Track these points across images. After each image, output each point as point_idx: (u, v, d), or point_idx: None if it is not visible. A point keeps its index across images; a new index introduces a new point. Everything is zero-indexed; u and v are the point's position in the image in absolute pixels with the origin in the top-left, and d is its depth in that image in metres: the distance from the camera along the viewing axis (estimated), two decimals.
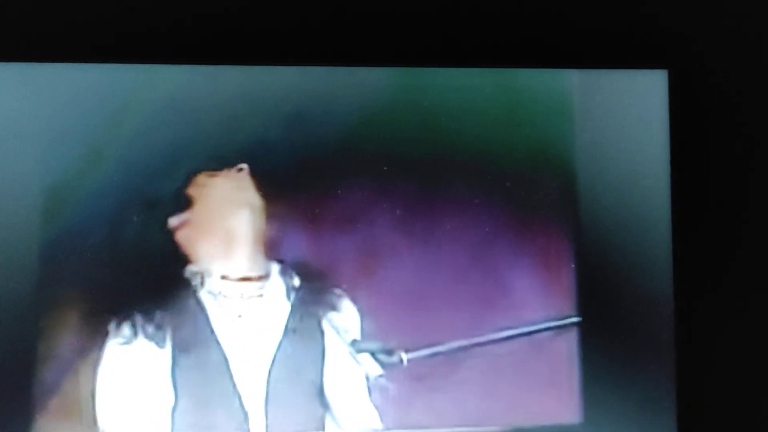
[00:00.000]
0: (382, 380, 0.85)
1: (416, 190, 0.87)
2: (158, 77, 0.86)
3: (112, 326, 0.84)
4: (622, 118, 0.89)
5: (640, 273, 0.88)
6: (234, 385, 0.84)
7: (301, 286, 0.86)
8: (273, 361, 0.85)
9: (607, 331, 0.87)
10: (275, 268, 0.86)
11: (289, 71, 0.87)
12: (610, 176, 0.89)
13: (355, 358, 0.85)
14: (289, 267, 0.86)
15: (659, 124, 0.89)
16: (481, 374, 0.86)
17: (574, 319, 0.87)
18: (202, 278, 0.85)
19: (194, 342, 0.84)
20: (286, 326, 0.86)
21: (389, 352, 0.85)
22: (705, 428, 0.90)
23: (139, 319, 0.84)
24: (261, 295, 0.86)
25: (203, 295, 0.85)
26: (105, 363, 0.83)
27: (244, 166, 0.87)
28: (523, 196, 0.88)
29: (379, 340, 0.86)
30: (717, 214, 0.92)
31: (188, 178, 0.86)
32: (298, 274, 0.86)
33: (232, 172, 0.87)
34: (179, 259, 0.85)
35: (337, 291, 0.86)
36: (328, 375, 0.85)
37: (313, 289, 0.86)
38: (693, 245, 0.90)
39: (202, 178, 0.86)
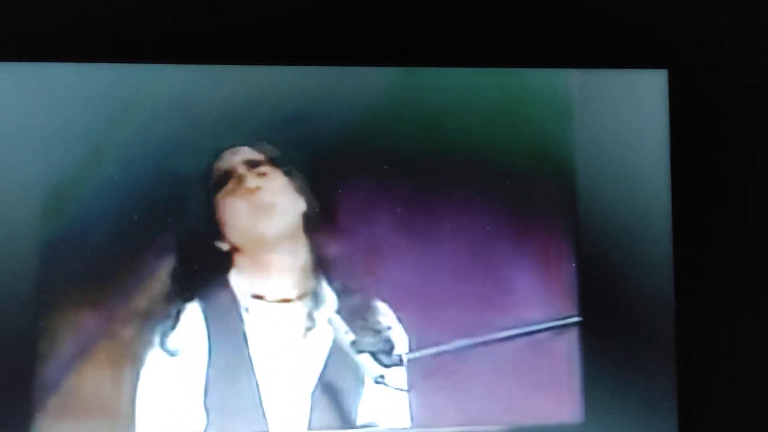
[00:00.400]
0: (383, 380, 0.85)
1: (417, 189, 0.87)
2: (159, 77, 0.87)
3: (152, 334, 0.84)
4: (622, 118, 0.89)
5: (640, 272, 0.88)
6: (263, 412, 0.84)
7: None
8: (314, 390, 0.85)
9: (608, 331, 0.87)
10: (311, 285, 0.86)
11: (290, 71, 0.88)
12: (610, 175, 0.89)
13: (355, 359, 0.85)
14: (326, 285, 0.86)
15: (659, 124, 0.89)
16: (482, 374, 0.86)
17: (575, 319, 0.87)
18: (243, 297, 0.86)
19: (229, 361, 0.85)
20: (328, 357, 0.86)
21: (389, 352, 0.85)
22: (706, 427, 0.90)
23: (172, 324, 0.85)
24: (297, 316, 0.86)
25: (244, 312, 0.85)
26: (146, 371, 0.84)
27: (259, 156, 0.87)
28: (523, 196, 0.88)
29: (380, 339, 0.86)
30: (717, 213, 0.92)
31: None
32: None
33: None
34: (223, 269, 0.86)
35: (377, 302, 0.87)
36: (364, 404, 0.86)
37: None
38: (693, 244, 0.90)
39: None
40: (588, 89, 0.89)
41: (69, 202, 0.85)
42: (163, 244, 0.85)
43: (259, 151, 0.87)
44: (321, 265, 0.86)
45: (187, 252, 0.85)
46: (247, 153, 0.87)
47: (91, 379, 0.83)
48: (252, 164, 0.87)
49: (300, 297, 0.86)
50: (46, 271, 0.83)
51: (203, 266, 0.85)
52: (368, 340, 0.85)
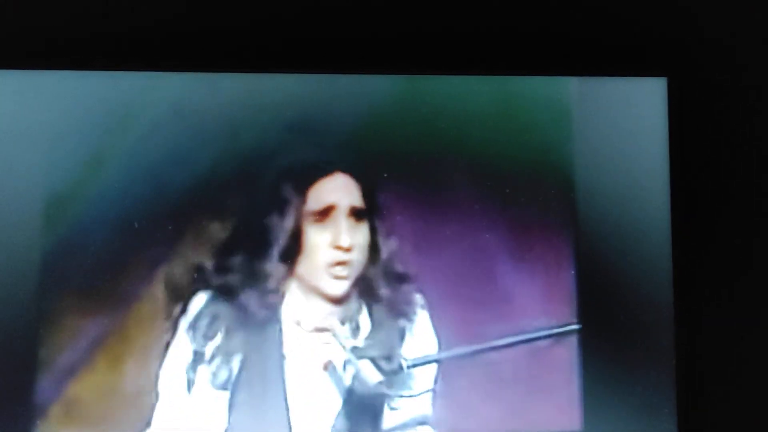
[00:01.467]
0: (382, 386, 0.85)
1: (416, 196, 0.87)
2: (160, 85, 0.87)
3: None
4: (621, 125, 0.89)
5: (640, 280, 0.88)
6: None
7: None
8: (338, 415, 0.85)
9: (608, 338, 0.87)
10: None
11: (291, 79, 0.88)
12: (609, 183, 0.89)
13: (355, 365, 0.85)
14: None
15: (658, 131, 0.90)
16: (481, 381, 0.86)
17: (574, 326, 0.87)
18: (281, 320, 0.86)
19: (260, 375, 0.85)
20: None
21: (390, 359, 0.85)
22: None
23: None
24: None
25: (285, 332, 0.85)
26: (167, 368, 0.84)
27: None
28: (522, 203, 0.88)
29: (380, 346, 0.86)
30: (716, 220, 0.92)
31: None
32: None
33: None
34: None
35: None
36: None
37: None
38: (692, 252, 0.90)
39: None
40: (587, 97, 0.90)
41: (70, 210, 0.85)
42: (168, 251, 0.85)
43: (365, 191, 0.86)
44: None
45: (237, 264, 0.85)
46: (353, 196, 0.86)
47: (92, 386, 0.83)
48: (354, 211, 0.86)
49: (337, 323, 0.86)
50: (46, 279, 0.84)
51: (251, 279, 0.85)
52: (369, 346, 0.85)
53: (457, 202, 0.87)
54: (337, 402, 0.85)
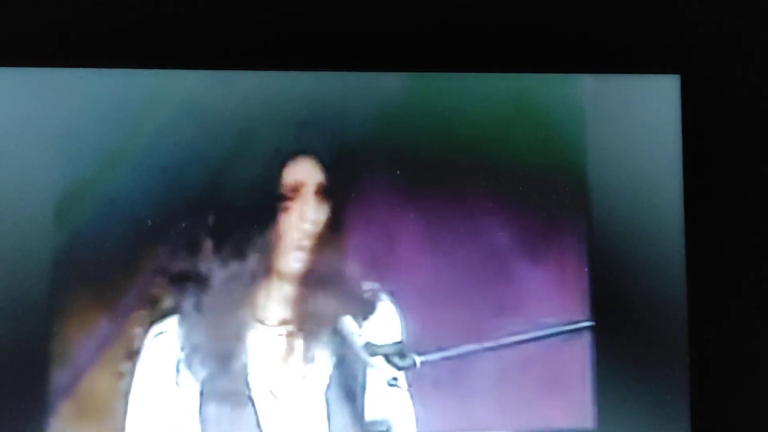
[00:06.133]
0: (396, 383, 0.85)
1: (430, 194, 0.87)
2: (173, 82, 0.87)
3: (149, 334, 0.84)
4: (635, 123, 0.89)
5: (653, 277, 0.88)
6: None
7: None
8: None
9: (621, 335, 0.87)
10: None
11: (304, 76, 0.88)
12: (622, 180, 0.89)
13: (368, 361, 0.85)
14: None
15: (672, 129, 0.90)
16: (494, 378, 0.86)
17: (588, 324, 0.87)
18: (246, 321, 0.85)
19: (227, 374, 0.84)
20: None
21: (403, 355, 0.85)
22: None
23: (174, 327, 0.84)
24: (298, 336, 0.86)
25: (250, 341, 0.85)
26: (139, 370, 0.84)
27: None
28: (536, 200, 0.88)
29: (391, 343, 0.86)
30: (730, 218, 0.92)
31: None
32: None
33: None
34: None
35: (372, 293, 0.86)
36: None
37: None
38: (706, 249, 0.90)
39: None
40: (600, 94, 0.90)
41: (83, 207, 0.85)
42: (176, 250, 0.85)
43: (328, 170, 0.86)
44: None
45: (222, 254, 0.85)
46: (317, 172, 0.86)
47: (103, 383, 0.83)
48: (319, 188, 0.86)
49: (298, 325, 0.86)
50: (59, 276, 0.84)
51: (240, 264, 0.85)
52: (381, 343, 0.85)
53: (470, 200, 0.87)
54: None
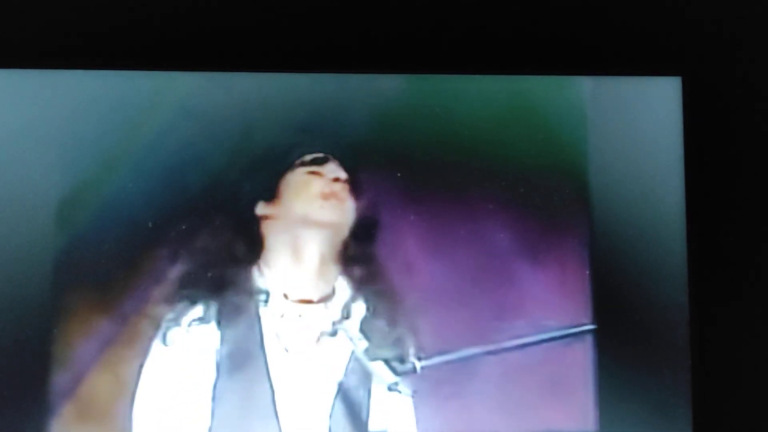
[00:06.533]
0: (396, 387, 0.85)
1: (430, 197, 0.87)
2: (173, 84, 0.87)
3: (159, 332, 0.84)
4: (636, 125, 0.89)
5: (655, 280, 0.88)
6: (277, 420, 0.84)
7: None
8: (333, 406, 0.85)
9: (623, 339, 0.87)
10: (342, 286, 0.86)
11: (303, 78, 0.88)
12: (623, 183, 0.89)
13: (368, 366, 0.85)
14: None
15: (673, 131, 0.89)
16: (495, 382, 0.86)
17: (589, 327, 0.87)
18: (267, 296, 0.85)
19: (242, 361, 0.84)
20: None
21: (403, 360, 0.85)
22: None
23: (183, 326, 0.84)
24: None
25: (263, 313, 0.85)
26: (148, 367, 0.83)
27: (342, 175, 0.87)
28: (537, 203, 0.88)
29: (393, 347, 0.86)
30: (732, 220, 0.92)
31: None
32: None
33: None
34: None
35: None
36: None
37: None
38: (708, 252, 0.90)
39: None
40: (601, 96, 0.90)
41: (83, 209, 0.85)
42: (179, 248, 0.85)
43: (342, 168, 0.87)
44: (343, 272, 0.86)
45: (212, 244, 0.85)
46: (334, 168, 0.87)
47: (105, 385, 0.83)
48: (339, 178, 0.87)
49: (321, 300, 0.86)
50: (60, 278, 0.84)
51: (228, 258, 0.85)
52: (382, 347, 0.85)
53: (471, 202, 0.87)
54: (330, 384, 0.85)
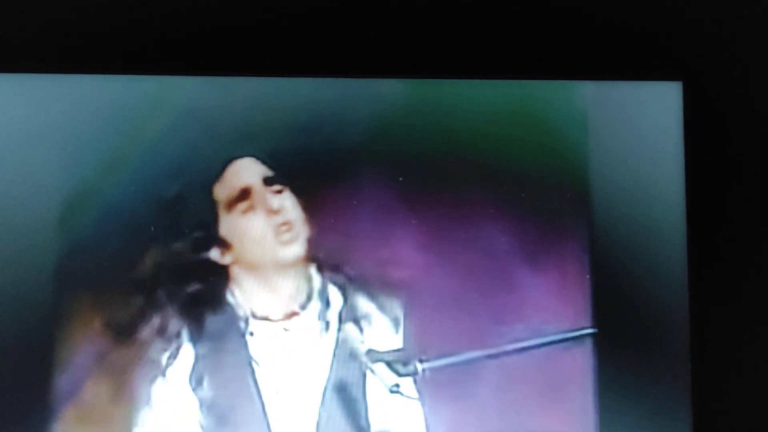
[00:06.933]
0: (398, 389, 0.85)
1: (431, 201, 0.87)
2: (174, 88, 0.87)
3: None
4: (637, 130, 0.89)
5: (655, 284, 0.88)
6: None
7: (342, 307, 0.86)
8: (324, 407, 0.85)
9: (623, 343, 0.87)
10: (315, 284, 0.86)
11: (304, 82, 0.88)
12: (624, 187, 0.89)
13: (370, 368, 0.85)
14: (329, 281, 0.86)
15: (673, 136, 0.90)
16: (495, 385, 0.86)
17: (590, 331, 0.87)
18: (247, 318, 0.85)
19: (227, 373, 0.84)
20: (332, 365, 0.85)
21: (405, 362, 0.85)
22: None
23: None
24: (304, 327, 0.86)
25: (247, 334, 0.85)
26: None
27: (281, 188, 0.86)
28: (537, 207, 0.88)
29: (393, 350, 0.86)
30: (732, 225, 0.92)
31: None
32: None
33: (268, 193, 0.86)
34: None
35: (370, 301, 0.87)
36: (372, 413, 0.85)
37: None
38: (708, 257, 0.90)
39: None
40: (602, 101, 0.90)
41: (85, 213, 0.85)
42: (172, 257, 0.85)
43: (269, 165, 0.87)
44: (328, 272, 0.86)
45: (183, 267, 0.85)
46: (260, 168, 0.86)
47: (106, 388, 0.83)
48: (268, 181, 0.87)
49: (304, 304, 0.86)
50: (61, 281, 0.84)
51: (201, 283, 0.85)
52: (382, 349, 0.85)
53: (472, 207, 0.88)
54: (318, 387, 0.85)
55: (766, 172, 0.93)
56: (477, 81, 0.89)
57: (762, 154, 0.93)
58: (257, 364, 0.84)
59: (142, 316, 0.84)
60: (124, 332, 0.84)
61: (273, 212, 0.86)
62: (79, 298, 0.84)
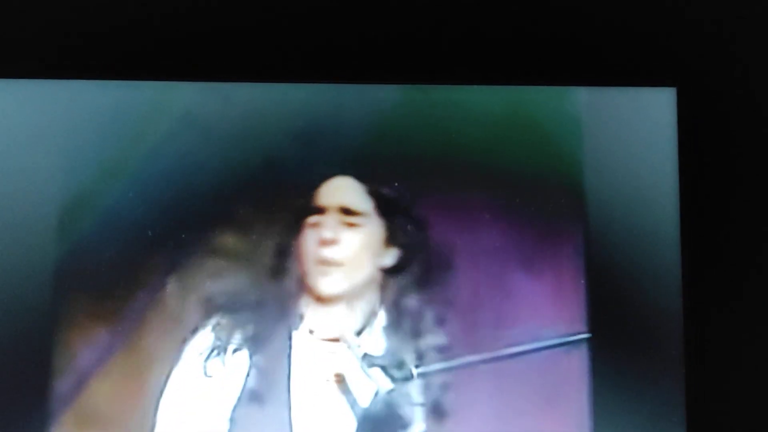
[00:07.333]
0: (393, 394, 0.85)
1: (426, 206, 0.88)
2: (173, 94, 0.88)
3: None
4: (631, 136, 0.90)
5: (650, 289, 0.88)
6: None
7: None
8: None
9: (618, 348, 0.87)
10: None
11: (301, 88, 0.89)
12: (618, 193, 0.89)
13: (366, 373, 0.85)
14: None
15: (667, 142, 0.90)
16: (490, 390, 0.86)
17: (585, 335, 0.87)
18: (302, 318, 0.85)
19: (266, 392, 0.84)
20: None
21: (400, 367, 0.85)
22: None
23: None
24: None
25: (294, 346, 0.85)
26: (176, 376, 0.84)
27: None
28: (532, 212, 0.88)
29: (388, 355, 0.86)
30: (726, 230, 0.92)
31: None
32: None
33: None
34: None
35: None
36: None
37: None
38: (703, 262, 0.90)
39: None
40: (596, 107, 0.90)
41: (84, 217, 0.86)
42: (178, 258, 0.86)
43: (370, 192, 0.87)
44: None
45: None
46: (349, 196, 0.86)
47: (106, 392, 0.84)
48: (347, 212, 0.87)
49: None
50: (61, 286, 0.84)
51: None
52: (379, 354, 0.86)
53: (467, 212, 0.88)
54: (348, 418, 0.85)
55: (759, 178, 0.93)
56: (472, 87, 0.90)
57: (756, 160, 0.94)
58: (294, 372, 0.85)
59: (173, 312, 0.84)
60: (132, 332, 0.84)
61: (324, 242, 0.86)
62: (79, 302, 0.84)
